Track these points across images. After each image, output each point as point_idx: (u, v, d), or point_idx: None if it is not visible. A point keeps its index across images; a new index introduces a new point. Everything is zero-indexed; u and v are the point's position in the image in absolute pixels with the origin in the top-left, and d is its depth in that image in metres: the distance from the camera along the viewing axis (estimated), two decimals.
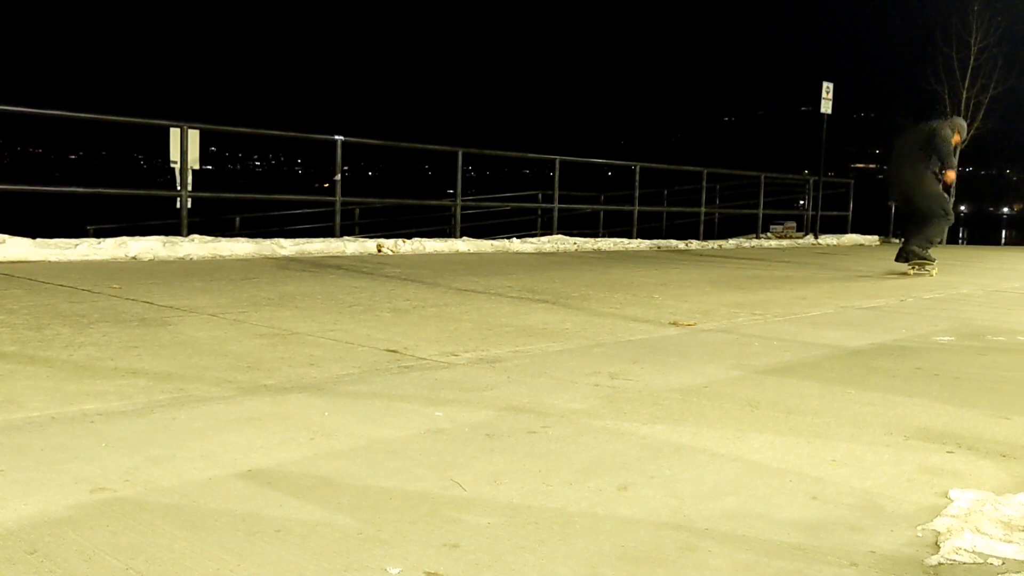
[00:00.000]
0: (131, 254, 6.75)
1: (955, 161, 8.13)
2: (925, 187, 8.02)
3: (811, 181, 16.26)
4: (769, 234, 15.60)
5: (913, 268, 7.99)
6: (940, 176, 7.99)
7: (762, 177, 15.02)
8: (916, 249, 7.96)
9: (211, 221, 10.61)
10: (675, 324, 4.24)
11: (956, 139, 8.21)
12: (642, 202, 13.18)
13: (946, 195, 8.23)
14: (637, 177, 12.68)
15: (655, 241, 12.37)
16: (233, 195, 11.63)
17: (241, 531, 1.53)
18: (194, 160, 8.16)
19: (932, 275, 7.86)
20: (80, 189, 8.57)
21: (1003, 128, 18.84)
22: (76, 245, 6.66)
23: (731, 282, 6.71)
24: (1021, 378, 3.25)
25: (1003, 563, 1.52)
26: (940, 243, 8.54)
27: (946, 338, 4.15)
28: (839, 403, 2.71)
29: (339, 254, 7.97)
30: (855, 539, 1.61)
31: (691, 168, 14.63)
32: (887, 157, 8.93)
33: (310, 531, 1.55)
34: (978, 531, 1.64)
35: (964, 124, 8.56)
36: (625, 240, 11.85)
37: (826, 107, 15.59)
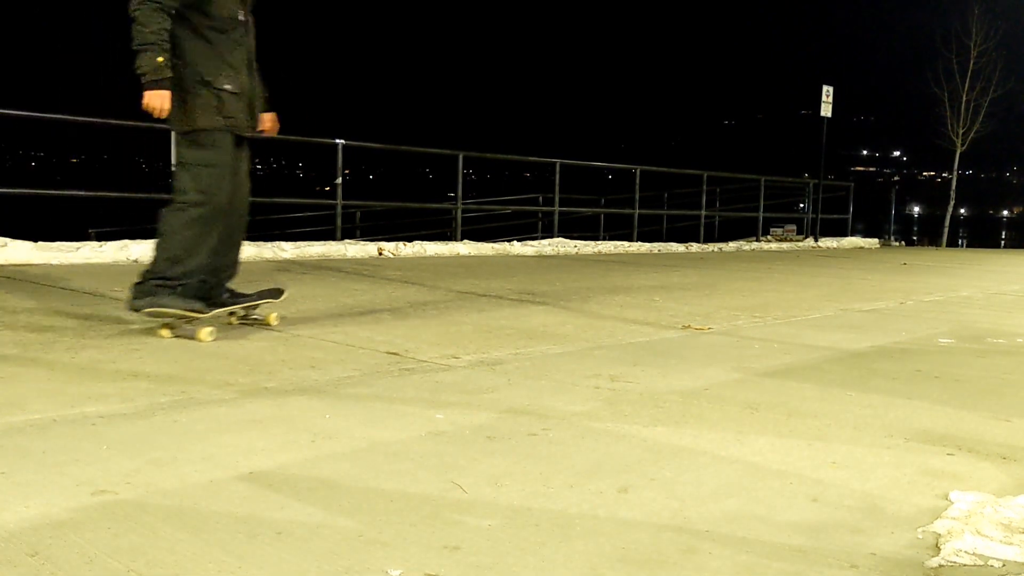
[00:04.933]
0: (133, 257, 6.76)
1: (142, 38, 3.34)
2: (180, 118, 3.50)
3: (811, 184, 16.27)
4: (769, 237, 15.61)
5: (170, 323, 3.49)
6: (230, 89, 3.51)
7: (762, 180, 15.03)
8: (150, 280, 3.46)
9: None
10: (687, 327, 4.24)
11: None
12: (642, 205, 13.18)
13: (224, 143, 3.55)
14: (637, 180, 12.69)
15: (655, 244, 12.38)
16: None
17: (242, 533, 1.53)
18: None
19: (203, 339, 3.38)
20: (82, 192, 8.58)
21: (1002, 131, 18.86)
22: (78, 248, 6.67)
23: (731, 285, 6.71)
24: (1021, 380, 3.25)
25: (1003, 565, 1.52)
26: (206, 268, 3.55)
27: (946, 340, 4.15)
28: (839, 405, 2.71)
29: (340, 257, 7.97)
30: (856, 541, 1.61)
31: (691, 171, 14.64)
32: None
33: (311, 533, 1.55)
34: (978, 533, 1.64)
35: None
36: (625, 243, 11.85)
37: (826, 110, 15.61)
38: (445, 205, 11.88)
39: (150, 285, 3.44)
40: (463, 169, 10.41)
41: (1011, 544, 1.60)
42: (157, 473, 1.84)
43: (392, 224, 12.13)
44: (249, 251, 7.55)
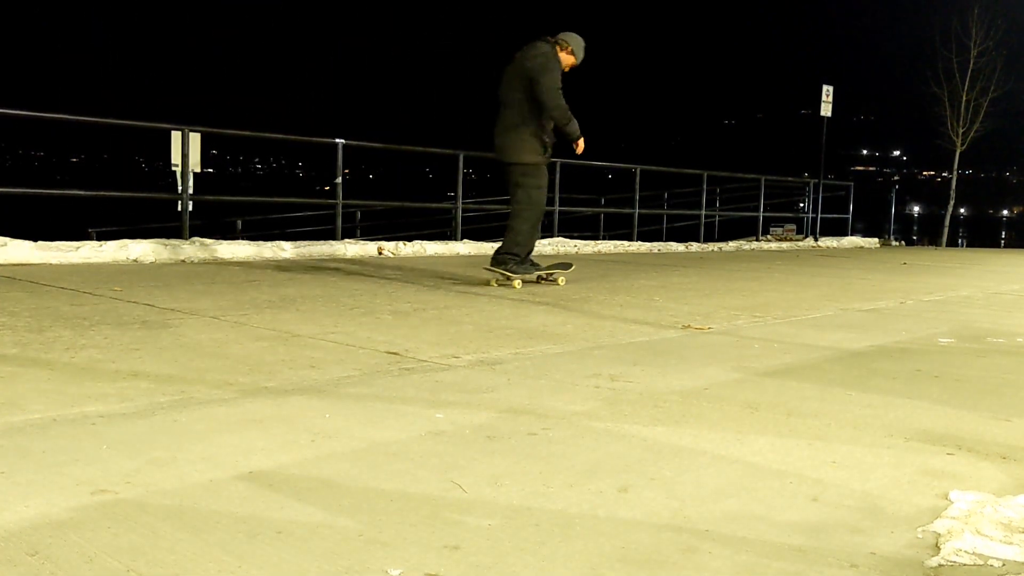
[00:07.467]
0: (132, 257, 6.76)
1: (568, 118, 5.75)
2: (520, 156, 5.78)
3: (811, 184, 16.28)
4: (769, 236, 15.61)
5: (496, 279, 5.93)
6: (548, 139, 5.86)
7: (762, 180, 15.03)
8: (504, 254, 5.88)
9: (212, 224, 10.63)
10: (687, 327, 4.24)
11: (570, 62, 5.92)
12: (642, 205, 13.18)
13: (543, 172, 5.95)
14: (638, 180, 12.69)
15: (655, 244, 12.38)
16: (234, 198, 11.66)
17: (242, 533, 1.53)
18: (195, 163, 8.17)
19: (516, 286, 5.76)
20: (81, 192, 8.59)
21: (1002, 131, 18.86)
22: (77, 248, 6.67)
23: (731, 284, 6.72)
24: (1021, 380, 3.25)
25: (1003, 564, 1.52)
26: (529, 250, 5.98)
27: (946, 340, 4.15)
28: (839, 405, 2.71)
29: (340, 257, 7.97)
30: (856, 541, 1.61)
31: (691, 171, 14.64)
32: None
33: (311, 533, 1.55)
34: (978, 533, 1.64)
35: (579, 41, 5.92)
36: (625, 243, 11.85)
37: (826, 110, 15.63)
38: (445, 205, 11.88)
39: (503, 256, 5.84)
40: (463, 169, 10.41)
41: (1011, 544, 1.60)
42: (157, 473, 1.84)
43: (392, 224, 12.14)
44: (249, 250, 7.55)
